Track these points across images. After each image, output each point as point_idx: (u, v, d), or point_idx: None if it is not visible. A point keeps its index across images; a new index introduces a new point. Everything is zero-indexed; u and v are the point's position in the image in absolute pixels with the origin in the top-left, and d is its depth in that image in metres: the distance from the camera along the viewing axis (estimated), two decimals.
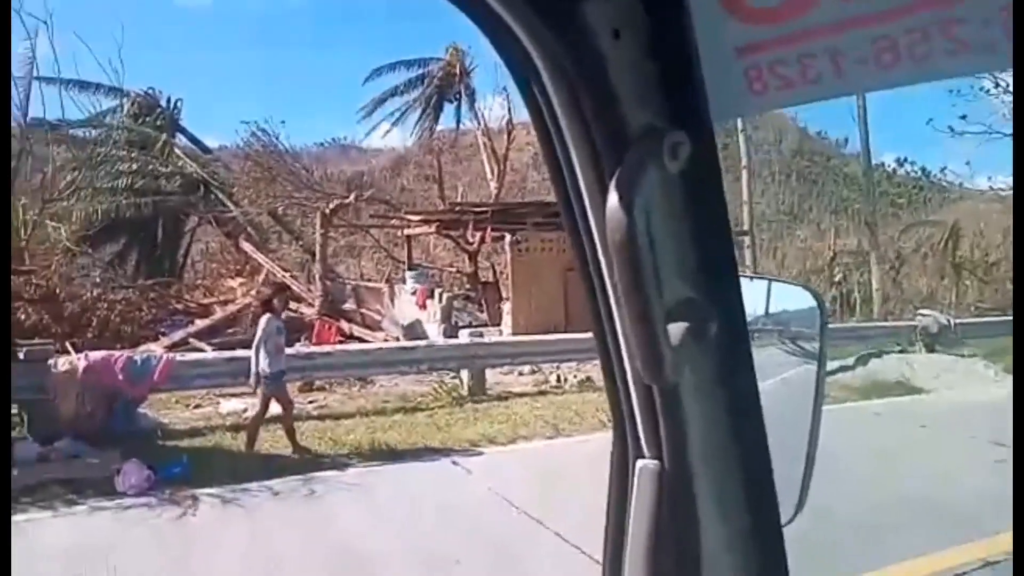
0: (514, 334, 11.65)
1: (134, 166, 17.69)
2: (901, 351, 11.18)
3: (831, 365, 10.61)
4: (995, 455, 6.44)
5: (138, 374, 7.37)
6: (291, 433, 6.84)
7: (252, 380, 6.77)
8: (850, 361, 10.56)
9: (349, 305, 14.25)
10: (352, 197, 15.15)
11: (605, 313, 0.74)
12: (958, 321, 12.44)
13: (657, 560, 0.78)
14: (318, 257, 13.43)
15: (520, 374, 10.50)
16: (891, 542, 4.48)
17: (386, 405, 8.63)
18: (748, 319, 1.46)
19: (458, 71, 27.81)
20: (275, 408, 6.88)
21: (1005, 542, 4.46)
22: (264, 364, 6.61)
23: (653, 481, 0.76)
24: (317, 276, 13.28)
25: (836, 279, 24.07)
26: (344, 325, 12.89)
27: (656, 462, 0.76)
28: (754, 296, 1.34)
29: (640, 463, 0.78)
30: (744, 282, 1.33)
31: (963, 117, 21.20)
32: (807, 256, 33.44)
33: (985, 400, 8.88)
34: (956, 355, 10.89)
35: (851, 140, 44.20)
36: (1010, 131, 20.88)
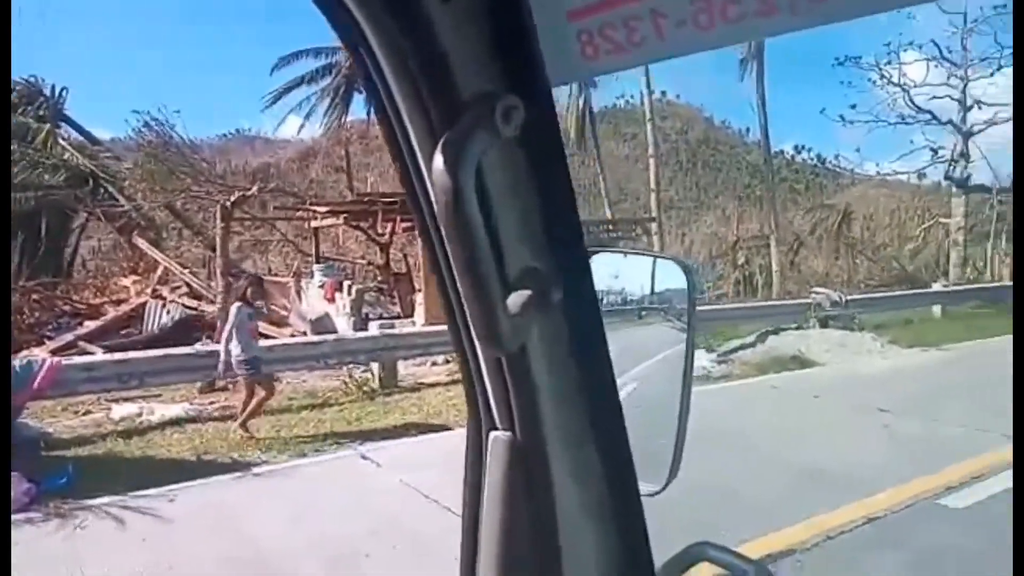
0: (427, 325, 11.53)
1: (12, 158, 16.37)
2: (798, 328, 11.80)
3: (733, 343, 11.09)
4: (880, 420, 6.91)
5: (16, 382, 6.82)
6: (247, 419, 6.97)
7: (221, 369, 6.98)
8: (751, 339, 11.06)
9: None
10: (255, 189, 14.53)
11: (451, 285, 0.71)
12: (849, 298, 13.20)
13: (512, 531, 0.77)
14: (219, 252, 12.83)
15: (433, 364, 10.41)
16: (783, 506, 4.71)
17: (292, 402, 8.36)
18: (617, 292, 1.44)
19: None
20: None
21: (886, 499, 4.78)
22: (239, 351, 6.76)
23: (505, 452, 0.75)
24: (218, 272, 12.69)
25: (740, 262, 25.15)
26: None
27: (508, 433, 0.75)
28: (621, 268, 1.33)
29: (493, 435, 0.76)
30: (609, 255, 1.32)
31: (853, 107, 22.68)
32: (713, 241, 34.83)
33: (872, 371, 9.50)
34: (847, 330, 11.59)
35: (752, 129, 46.35)
36: (895, 120, 22.41)
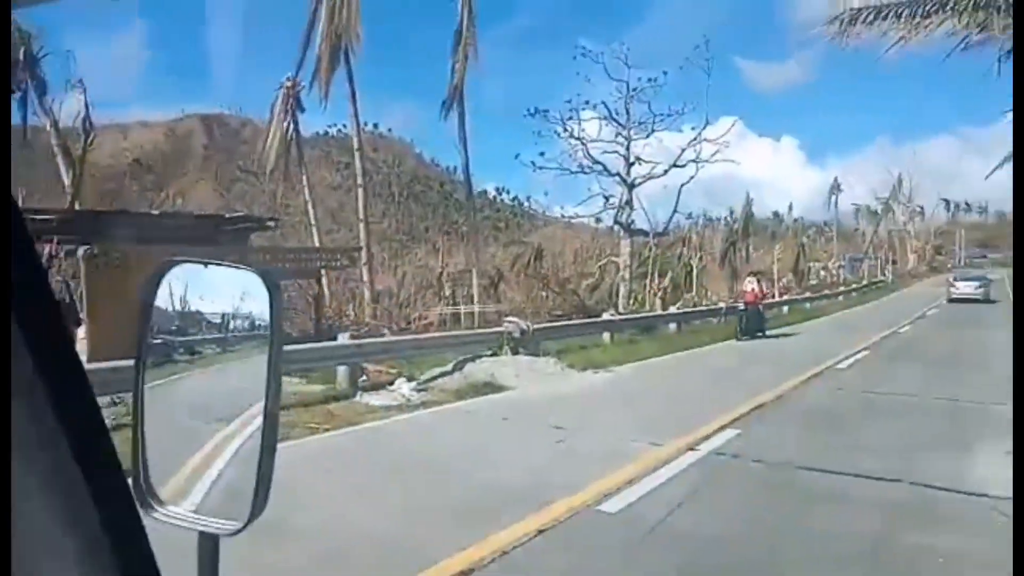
0: (91, 361, 9.88)
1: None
2: (493, 354, 12.58)
3: (435, 372, 11.41)
4: (555, 436, 7.58)
5: None
6: None
7: None
8: (450, 367, 11.52)
9: None
10: None
11: None
12: (536, 327, 14.49)
13: None
14: None
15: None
16: (464, 523, 4.84)
17: None
18: (197, 310, 1.25)
19: (22, 57, 22.65)
20: None
21: (556, 510, 5.20)
22: None
23: None
24: None
25: (445, 293, 26.28)
26: None
27: None
28: (201, 281, 1.16)
29: None
30: (188, 267, 1.14)
31: (542, 154, 25.28)
32: (424, 273, 35.92)
33: (551, 393, 10.46)
34: (534, 356, 12.68)
35: (460, 168, 49.13)
36: (576, 169, 25.44)
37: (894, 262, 70.27)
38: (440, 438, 7.79)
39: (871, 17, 4.87)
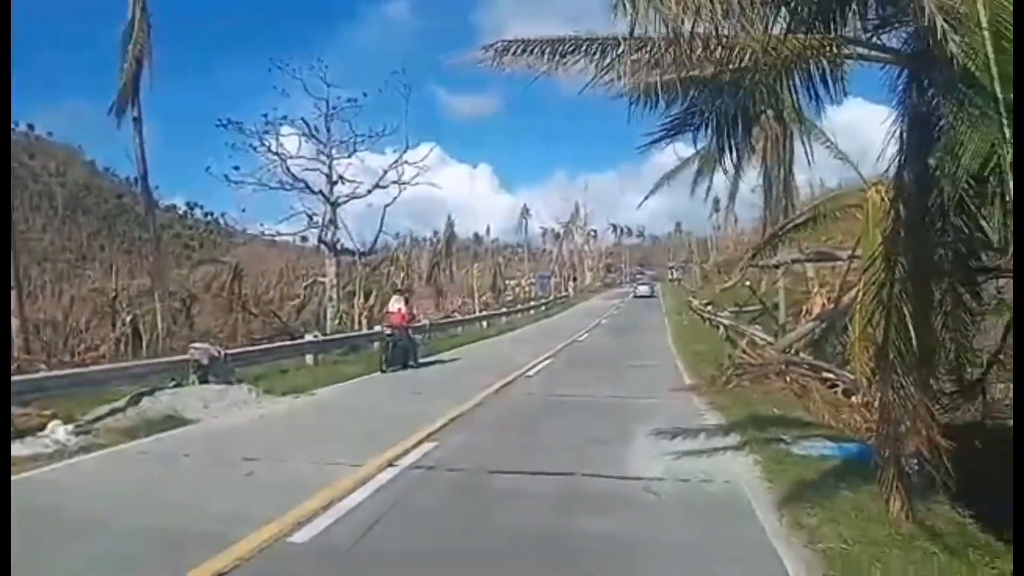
0: None
1: None
2: (176, 385, 11.28)
3: (103, 409, 9.81)
4: (244, 469, 7.00)
5: None
6: None
7: None
8: (122, 403, 10.00)
9: None
10: None
11: None
12: (232, 351, 13.36)
13: None
14: None
15: None
16: None
17: None
18: None
19: None
20: None
21: (240, 550, 4.75)
22: None
23: None
24: None
25: (125, 319, 23.06)
26: None
27: None
28: None
29: None
30: None
31: (236, 168, 23.56)
32: (98, 296, 31.07)
33: (244, 422, 9.70)
34: (226, 383, 11.64)
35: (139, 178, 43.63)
36: (276, 185, 24.20)
37: (575, 279, 79.84)
38: (99, 487, 6.68)
39: (519, 50, 5.42)
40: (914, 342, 4.97)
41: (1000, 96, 3.71)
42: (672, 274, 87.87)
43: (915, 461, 5.96)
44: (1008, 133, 3.67)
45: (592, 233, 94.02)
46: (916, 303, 5.04)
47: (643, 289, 66.59)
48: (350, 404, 11.65)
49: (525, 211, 79.32)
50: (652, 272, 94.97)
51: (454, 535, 5.25)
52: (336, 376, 14.27)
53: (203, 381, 11.53)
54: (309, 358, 16.09)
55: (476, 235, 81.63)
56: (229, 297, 28.65)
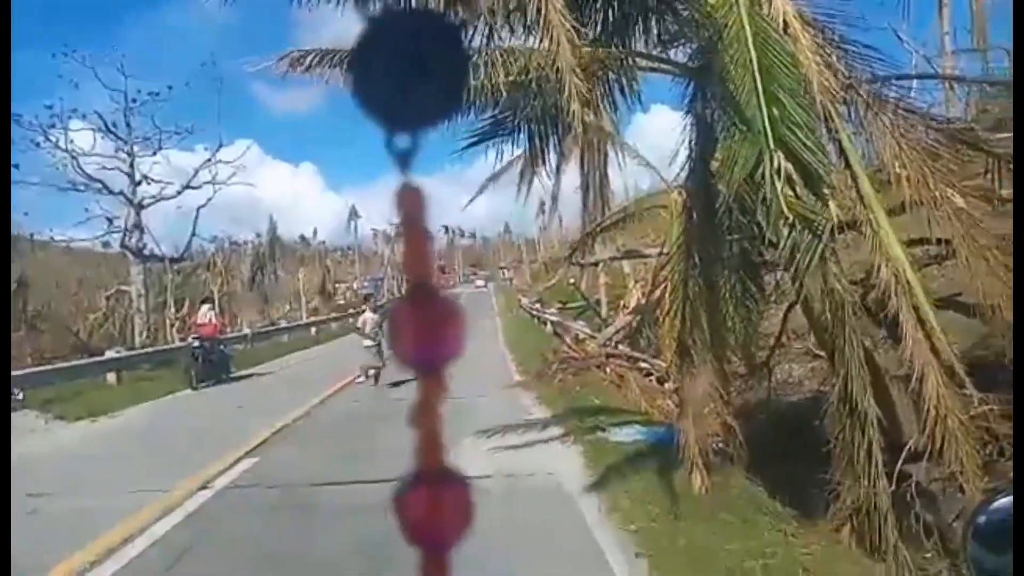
0: None
1: None
2: None
3: None
4: (26, 507, 6.16)
5: None
6: None
7: None
8: None
9: None
10: None
11: None
12: (15, 373, 11.79)
13: None
14: None
15: None
16: None
17: None
18: None
19: None
20: None
21: None
22: None
23: None
24: None
25: None
26: None
27: None
28: None
29: None
30: None
31: (16, 167, 20.68)
32: None
33: (28, 454, 8.55)
34: (12, 411, 10.24)
35: None
36: (66, 186, 21.61)
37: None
38: None
39: (315, 60, 5.43)
40: (706, 330, 5.46)
41: (764, 110, 4.18)
42: (504, 274, 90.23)
43: (716, 439, 6.61)
44: (772, 143, 4.14)
45: None
46: (708, 294, 5.55)
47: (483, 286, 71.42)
48: (155, 425, 10.65)
49: (354, 212, 77.31)
50: (486, 272, 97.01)
51: (274, 557, 4.98)
52: (141, 395, 13.00)
53: None
54: (111, 376, 14.54)
55: (303, 237, 78.24)
56: (20, 313, 25.16)
